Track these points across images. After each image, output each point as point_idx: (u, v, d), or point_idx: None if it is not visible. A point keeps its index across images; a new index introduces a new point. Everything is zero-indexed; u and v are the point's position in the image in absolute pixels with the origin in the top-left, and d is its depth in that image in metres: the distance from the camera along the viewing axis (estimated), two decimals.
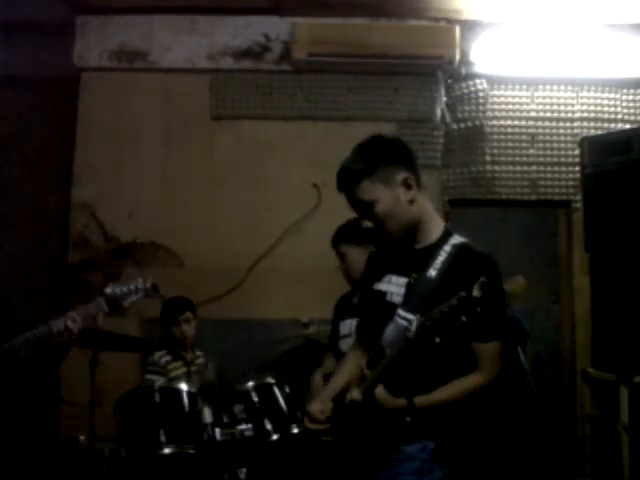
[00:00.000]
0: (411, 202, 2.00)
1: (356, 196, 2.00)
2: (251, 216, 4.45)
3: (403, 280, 2.03)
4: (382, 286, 2.09)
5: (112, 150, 4.49)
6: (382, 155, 2.02)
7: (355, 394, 1.95)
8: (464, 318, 1.64)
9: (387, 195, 1.98)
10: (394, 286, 2.05)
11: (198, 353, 3.89)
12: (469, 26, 4.43)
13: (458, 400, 1.96)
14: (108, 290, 2.66)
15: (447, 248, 1.99)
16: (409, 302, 1.97)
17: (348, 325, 3.18)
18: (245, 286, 4.36)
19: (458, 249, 1.98)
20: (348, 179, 2.02)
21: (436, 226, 2.07)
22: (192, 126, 4.51)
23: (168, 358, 3.77)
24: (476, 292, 1.62)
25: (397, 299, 2.03)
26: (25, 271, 4.03)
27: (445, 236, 2.04)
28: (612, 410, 3.48)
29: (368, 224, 2.03)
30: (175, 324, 3.79)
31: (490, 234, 4.49)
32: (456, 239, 2.02)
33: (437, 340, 1.70)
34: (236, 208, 4.45)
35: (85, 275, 4.38)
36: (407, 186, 2.00)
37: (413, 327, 1.75)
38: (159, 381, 3.56)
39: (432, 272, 1.95)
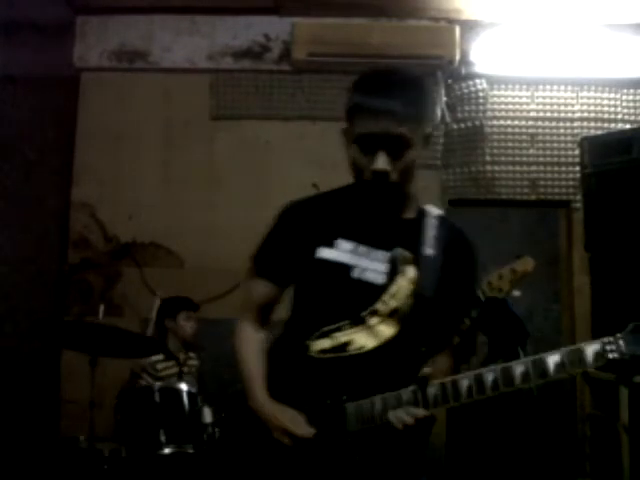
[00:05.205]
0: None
1: (399, 127, 1.60)
2: (251, 216, 4.43)
3: (381, 254, 1.70)
4: (342, 257, 1.70)
5: (112, 150, 4.49)
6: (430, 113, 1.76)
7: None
8: None
9: (418, 150, 1.68)
10: (366, 260, 1.69)
11: (191, 355, 3.87)
12: (469, 26, 4.43)
13: None
14: None
15: (433, 221, 1.75)
16: (428, 286, 1.67)
17: None
18: None
19: (445, 226, 1.77)
20: (409, 105, 1.63)
21: (413, 196, 1.80)
22: (192, 126, 4.51)
23: (159, 357, 3.69)
24: None
25: (373, 278, 1.68)
26: (25, 271, 4.03)
27: (420, 207, 1.81)
28: (612, 410, 3.47)
29: (382, 166, 1.61)
30: (172, 318, 3.76)
31: (490, 234, 4.48)
32: (434, 210, 1.80)
33: None
34: (236, 208, 4.45)
35: (85, 275, 4.38)
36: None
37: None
38: (145, 381, 3.55)
39: (429, 250, 1.69)
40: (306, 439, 1.61)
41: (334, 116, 4.52)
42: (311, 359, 1.68)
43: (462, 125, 4.51)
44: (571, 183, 4.46)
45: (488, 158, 4.50)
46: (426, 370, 1.64)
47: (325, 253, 1.70)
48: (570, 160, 4.45)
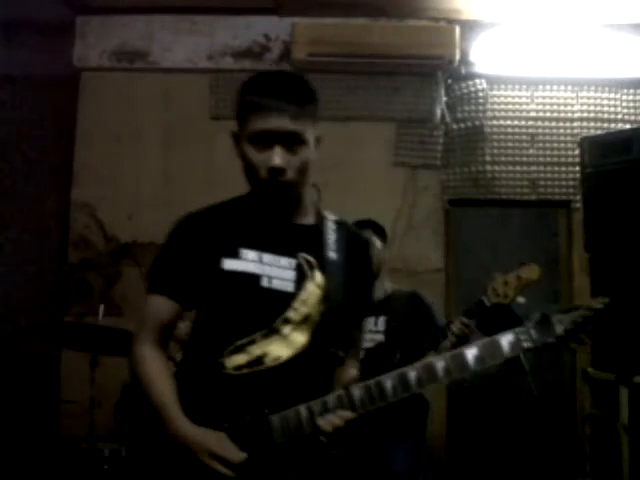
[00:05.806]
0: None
1: (293, 124, 1.69)
2: None
3: (286, 261, 1.67)
4: (249, 267, 1.65)
5: (112, 150, 4.49)
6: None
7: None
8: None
9: (311, 150, 1.79)
10: (272, 268, 1.66)
11: None
12: (469, 26, 4.43)
13: None
14: None
15: (331, 225, 1.79)
16: (335, 290, 1.68)
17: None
18: None
19: (344, 229, 1.81)
20: (302, 105, 1.75)
21: (311, 202, 1.83)
22: (192, 126, 4.51)
23: None
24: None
25: (282, 286, 1.65)
26: (25, 271, 4.03)
27: (320, 213, 1.84)
28: (612, 410, 3.48)
29: (278, 162, 1.64)
30: None
31: (490, 234, 4.49)
32: (332, 216, 1.84)
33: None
34: None
35: (85, 275, 4.39)
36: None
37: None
38: None
39: (332, 254, 1.71)
40: (241, 463, 1.53)
41: (334, 116, 4.54)
42: (228, 377, 1.60)
43: (462, 125, 4.51)
44: (571, 183, 4.46)
45: (488, 158, 4.50)
46: (351, 373, 1.71)
47: (231, 264, 1.65)
48: (570, 160, 4.45)
